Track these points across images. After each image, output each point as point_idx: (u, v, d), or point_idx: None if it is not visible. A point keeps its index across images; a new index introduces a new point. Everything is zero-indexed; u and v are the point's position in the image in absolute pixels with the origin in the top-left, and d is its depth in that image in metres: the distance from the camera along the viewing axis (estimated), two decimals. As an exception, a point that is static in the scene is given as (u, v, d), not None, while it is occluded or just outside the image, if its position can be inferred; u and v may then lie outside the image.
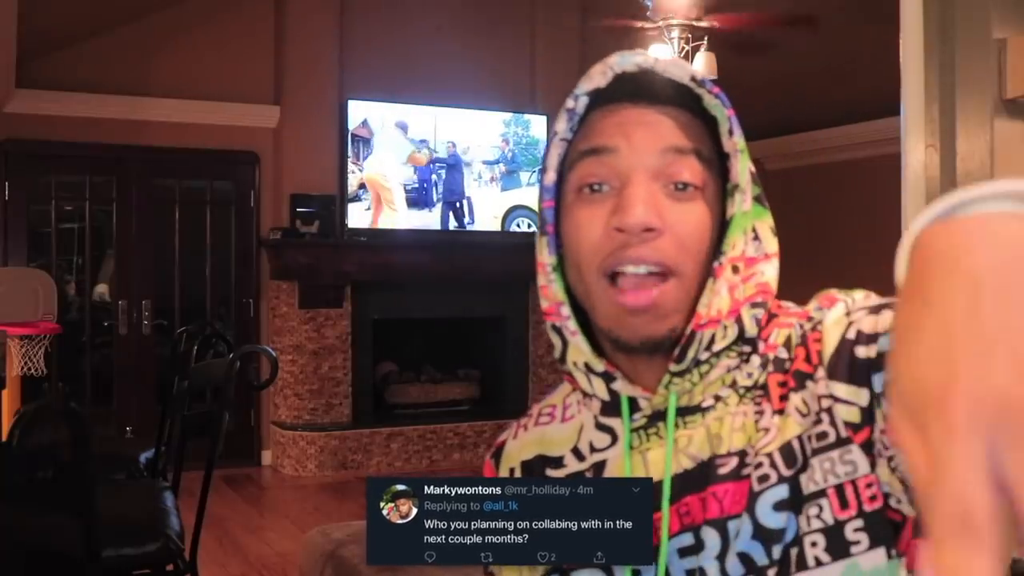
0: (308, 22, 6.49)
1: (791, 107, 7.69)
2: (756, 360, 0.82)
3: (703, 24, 5.97)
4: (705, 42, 6.08)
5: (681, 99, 0.81)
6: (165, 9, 6.19)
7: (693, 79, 0.80)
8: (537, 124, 6.96)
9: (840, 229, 7.71)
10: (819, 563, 0.74)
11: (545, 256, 0.85)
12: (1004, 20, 1.94)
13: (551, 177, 0.83)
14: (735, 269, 0.80)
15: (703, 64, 6.10)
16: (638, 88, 0.81)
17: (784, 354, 0.81)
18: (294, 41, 6.49)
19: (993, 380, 0.36)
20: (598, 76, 0.81)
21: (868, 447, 0.73)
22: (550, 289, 0.85)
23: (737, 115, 0.82)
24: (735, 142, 0.81)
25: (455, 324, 7.26)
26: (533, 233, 0.88)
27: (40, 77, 5.87)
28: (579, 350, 0.84)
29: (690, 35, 6.05)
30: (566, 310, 0.84)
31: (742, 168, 0.81)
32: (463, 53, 6.87)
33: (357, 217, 6.51)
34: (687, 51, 6.05)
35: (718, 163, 0.82)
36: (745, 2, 5.84)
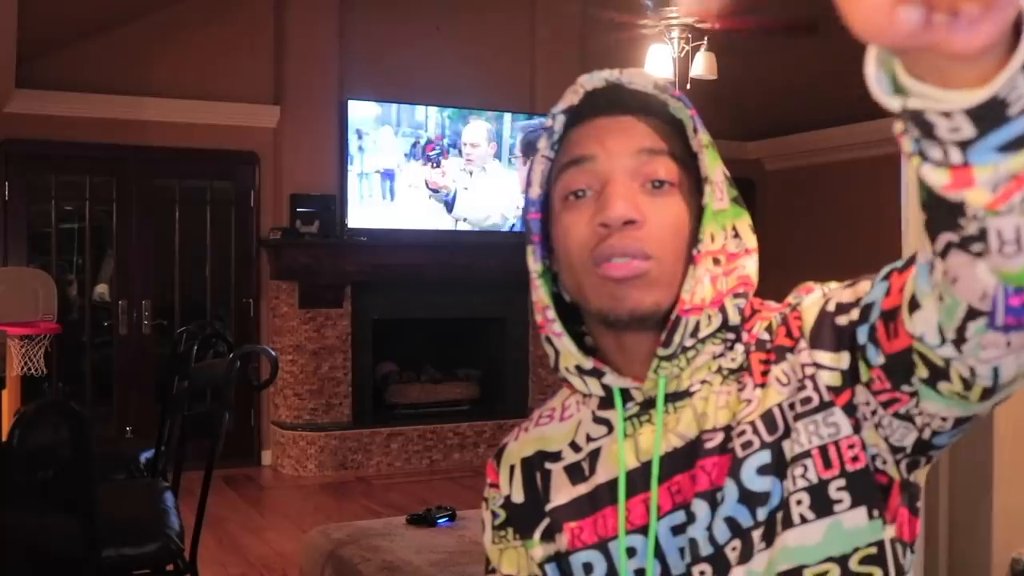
0: (308, 22, 6.49)
1: (791, 107, 7.69)
2: (740, 348, 0.88)
3: (703, 25, 5.96)
4: (705, 42, 6.08)
5: (650, 107, 0.88)
6: (165, 9, 6.19)
7: (656, 86, 0.87)
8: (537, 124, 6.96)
9: (840, 229, 7.71)
10: (804, 520, 0.79)
11: (531, 263, 0.92)
12: (1004, 20, 1.93)
13: (536, 191, 0.91)
14: (716, 261, 0.86)
15: (703, 64, 6.10)
16: (609, 101, 0.88)
17: (766, 336, 0.86)
18: (294, 41, 6.49)
19: None
20: (570, 95, 0.89)
21: (850, 410, 0.79)
22: (536, 294, 0.92)
23: (701, 115, 0.88)
24: (700, 139, 0.87)
25: (455, 324, 7.26)
26: None
27: (40, 77, 5.86)
28: (568, 352, 0.90)
29: (690, 35, 6.04)
30: (551, 313, 0.90)
31: (710, 162, 0.87)
32: (463, 53, 6.87)
33: (357, 217, 6.52)
34: (687, 51, 6.05)
35: (690, 162, 0.88)
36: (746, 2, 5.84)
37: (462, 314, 7.11)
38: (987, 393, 0.67)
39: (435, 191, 6.74)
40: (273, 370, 2.82)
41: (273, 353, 2.84)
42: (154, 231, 6.37)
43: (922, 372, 0.69)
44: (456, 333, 7.34)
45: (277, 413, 6.55)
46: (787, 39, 6.05)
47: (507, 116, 6.96)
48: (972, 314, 0.61)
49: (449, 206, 6.79)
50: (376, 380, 6.94)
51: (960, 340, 0.64)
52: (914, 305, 0.67)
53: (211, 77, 6.37)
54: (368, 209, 6.54)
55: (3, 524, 2.23)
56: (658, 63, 6.04)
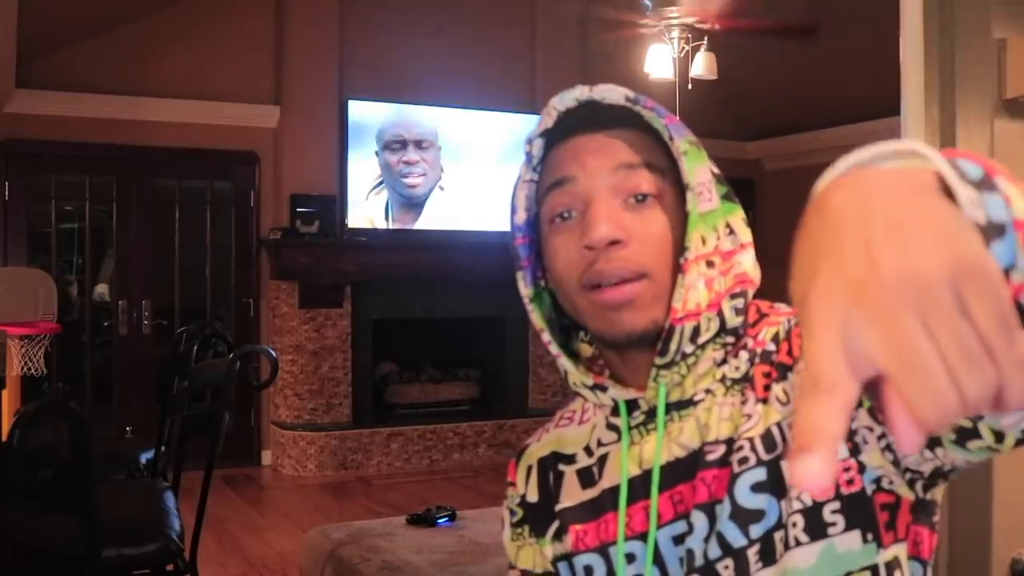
0: (308, 22, 6.49)
1: (791, 107, 7.69)
2: (744, 355, 0.87)
3: (703, 25, 5.96)
4: (705, 42, 6.08)
5: (625, 120, 0.87)
6: (165, 9, 6.20)
7: (628, 99, 0.86)
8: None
9: (840, 229, 7.70)
10: (798, 543, 0.78)
11: (523, 289, 0.92)
12: (1004, 20, 1.94)
13: (521, 216, 0.91)
14: (710, 264, 0.85)
15: (703, 64, 6.10)
16: (584, 119, 0.87)
17: (771, 347, 0.85)
18: (294, 41, 6.49)
19: (845, 272, 0.41)
20: (545, 119, 0.88)
21: (847, 433, 0.76)
22: (531, 318, 0.92)
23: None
24: (677, 146, 0.86)
25: (455, 324, 7.26)
26: None
27: (40, 77, 5.87)
28: (572, 371, 0.91)
29: (690, 35, 6.04)
30: (547, 335, 0.91)
31: (690, 167, 0.86)
32: (463, 53, 6.88)
33: (357, 217, 6.52)
34: (687, 51, 6.05)
35: (674, 169, 0.88)
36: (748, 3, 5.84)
37: (462, 314, 7.11)
38: (1021, 442, 0.63)
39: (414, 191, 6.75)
40: (273, 370, 2.82)
41: (273, 353, 2.84)
42: (154, 231, 6.36)
43: (948, 435, 0.65)
44: (456, 333, 7.34)
45: (277, 413, 6.55)
46: (787, 40, 6.05)
47: (507, 116, 6.95)
48: None
49: (418, 207, 6.79)
50: (376, 380, 6.94)
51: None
52: None
53: (211, 77, 6.37)
54: (367, 209, 6.54)
55: (3, 524, 2.23)
56: (658, 63, 6.04)
